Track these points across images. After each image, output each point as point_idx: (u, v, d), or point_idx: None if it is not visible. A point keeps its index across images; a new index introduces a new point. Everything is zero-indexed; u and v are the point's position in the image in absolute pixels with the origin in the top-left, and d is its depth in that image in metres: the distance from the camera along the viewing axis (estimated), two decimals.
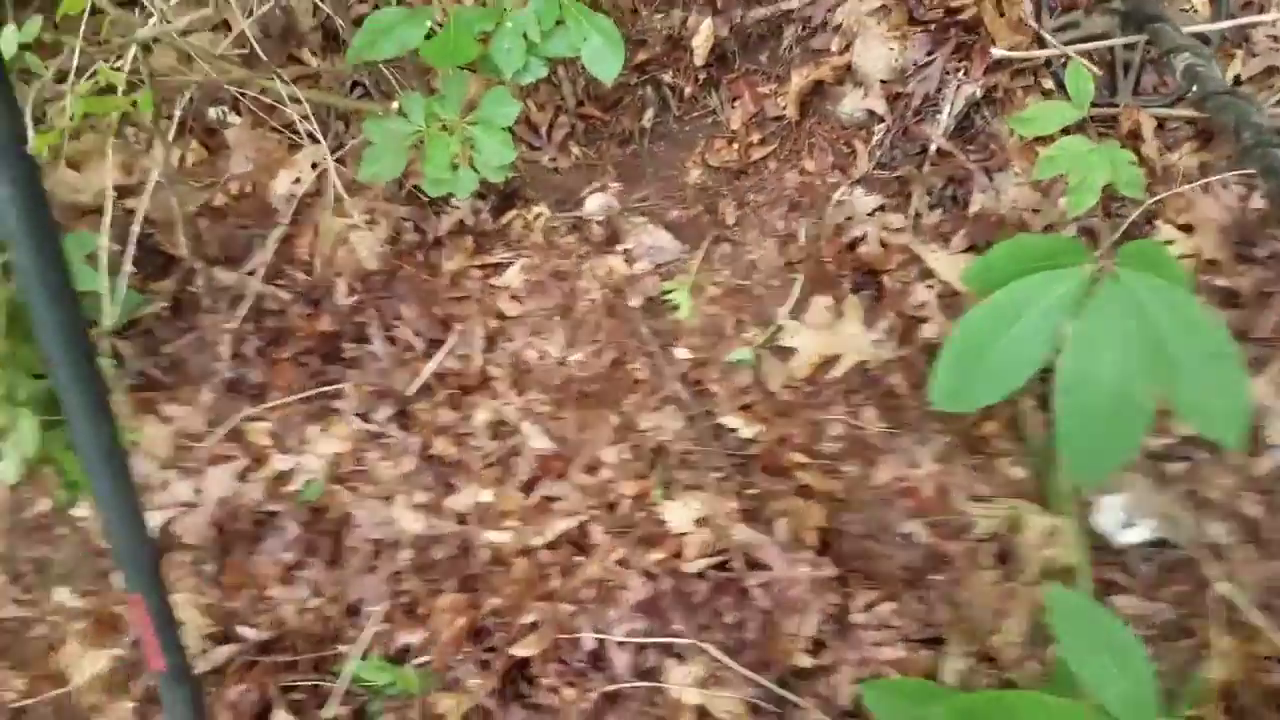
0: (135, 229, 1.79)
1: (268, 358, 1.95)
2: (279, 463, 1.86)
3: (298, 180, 1.97)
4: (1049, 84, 1.86)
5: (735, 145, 1.97)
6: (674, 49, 2.01)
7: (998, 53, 1.77)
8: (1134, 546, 1.66)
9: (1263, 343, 1.70)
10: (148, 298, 1.92)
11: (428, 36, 1.55)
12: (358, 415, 1.86)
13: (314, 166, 1.99)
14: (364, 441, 1.85)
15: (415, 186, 1.94)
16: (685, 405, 1.82)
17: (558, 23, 1.60)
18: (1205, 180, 1.73)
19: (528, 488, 1.77)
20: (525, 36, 1.58)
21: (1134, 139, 1.77)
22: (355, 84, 2.04)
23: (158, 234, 1.93)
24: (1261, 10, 1.83)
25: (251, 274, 1.94)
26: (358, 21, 2.08)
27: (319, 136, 1.99)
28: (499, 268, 1.94)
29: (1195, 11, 1.86)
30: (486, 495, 1.75)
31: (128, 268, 1.78)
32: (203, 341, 1.94)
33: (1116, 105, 1.80)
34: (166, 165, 1.88)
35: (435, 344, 1.91)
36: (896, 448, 1.77)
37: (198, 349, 1.95)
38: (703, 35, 1.98)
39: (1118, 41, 1.74)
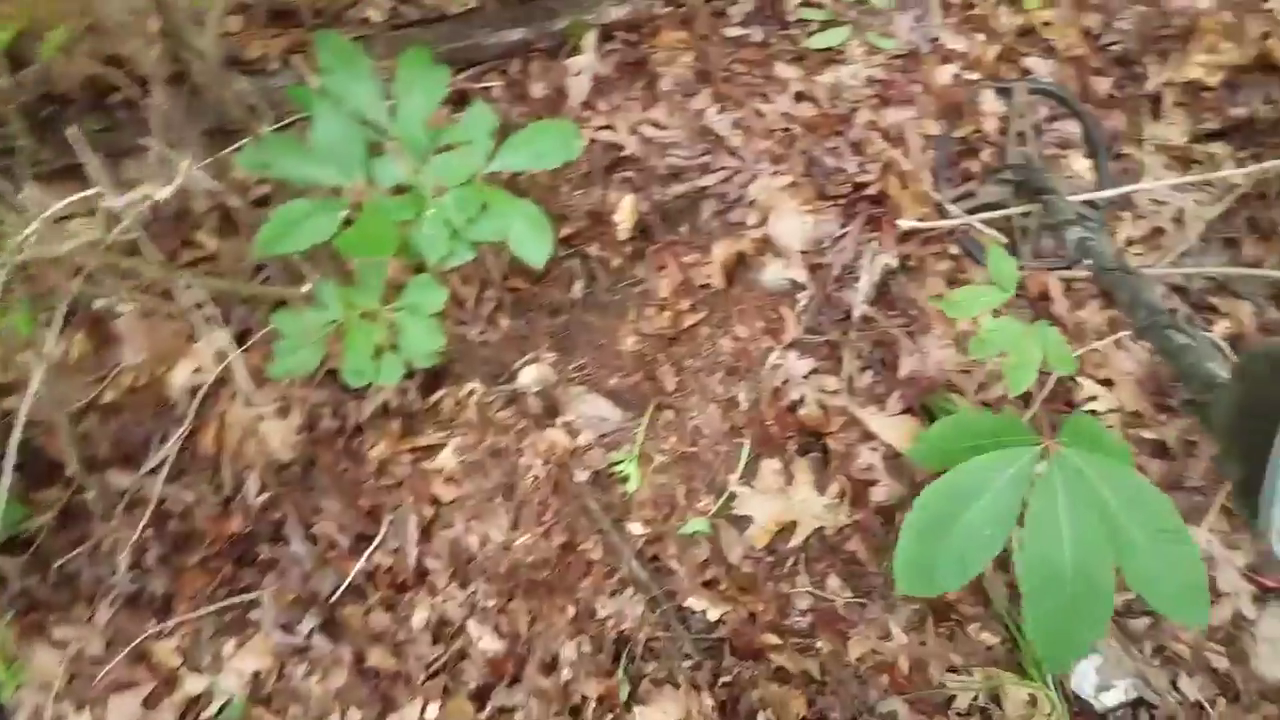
0: (16, 433, 1.63)
1: (172, 566, 1.80)
2: (191, 685, 1.70)
3: (199, 370, 1.86)
4: (955, 250, 1.98)
5: (666, 313, 1.99)
6: (597, 223, 2.05)
7: (905, 224, 1.89)
8: (1114, 710, 1.66)
9: (1196, 491, 1.79)
10: (31, 509, 1.73)
11: (344, 224, 1.51)
12: (279, 627, 1.70)
13: (217, 354, 1.87)
14: (287, 655, 1.71)
15: (330, 370, 1.85)
16: (645, 587, 1.77)
17: (482, 207, 1.60)
18: (1116, 335, 1.84)
19: (479, 698, 1.66)
20: (448, 224, 1.56)
21: (1043, 299, 1.91)
22: (260, 266, 1.97)
23: (41, 437, 1.76)
24: (1138, 177, 2.02)
25: (153, 472, 1.79)
26: (259, 202, 2.05)
27: (220, 322, 1.89)
28: (431, 450, 1.87)
29: (1080, 177, 2.03)
30: (432, 710, 1.62)
31: (7, 478, 1.60)
32: (97, 552, 1.78)
33: (1022, 269, 1.94)
34: (49, 361, 1.74)
35: (363, 539, 1.80)
36: (866, 618, 1.76)
37: (92, 561, 1.78)
38: (625, 210, 2.04)
39: (1014, 210, 1.92)
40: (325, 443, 1.86)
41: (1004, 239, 1.93)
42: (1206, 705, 1.68)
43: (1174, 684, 1.70)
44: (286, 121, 2.13)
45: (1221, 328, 1.93)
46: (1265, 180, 2.02)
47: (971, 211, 1.93)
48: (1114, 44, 2.21)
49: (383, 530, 1.79)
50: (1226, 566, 1.76)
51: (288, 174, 1.56)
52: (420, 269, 1.73)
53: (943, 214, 1.96)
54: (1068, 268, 1.97)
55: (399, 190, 1.62)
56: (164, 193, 1.22)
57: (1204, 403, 0.78)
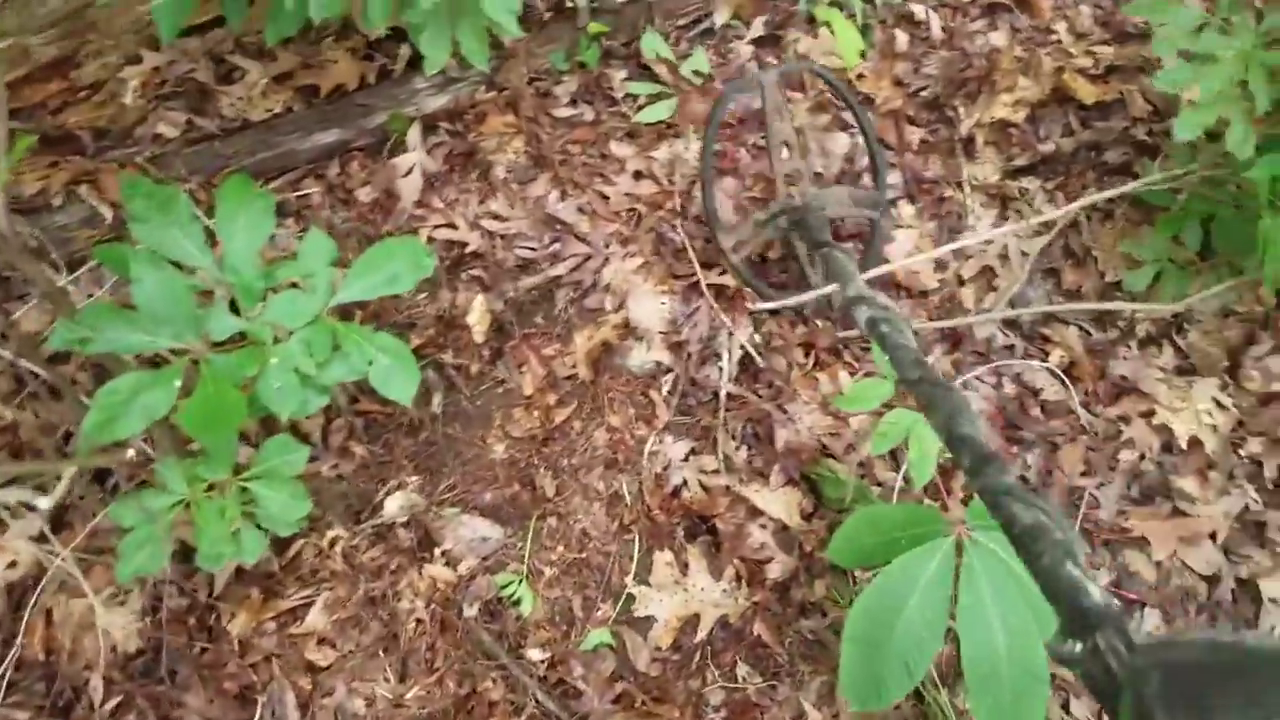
0: None
1: None
2: None
3: (13, 564, 1.67)
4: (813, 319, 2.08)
5: (534, 411, 1.97)
6: (449, 328, 2.00)
7: (753, 306, 1.95)
8: None
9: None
10: None
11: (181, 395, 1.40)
12: None
13: (33, 540, 1.70)
14: None
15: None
16: (555, 718, 1.72)
17: (335, 348, 1.53)
18: (963, 377, 1.98)
19: None
20: (297, 370, 1.48)
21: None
22: (69, 434, 1.80)
23: None
24: (961, 218, 2.17)
25: None
26: (55, 359, 1.87)
27: (33, 506, 1.72)
28: (297, 612, 1.76)
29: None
30: None
31: None
32: None
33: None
34: None
35: None
36: (778, 699, 1.79)
37: None
38: (477, 311, 2.00)
39: (809, 297, 1.79)
40: (176, 624, 1.71)
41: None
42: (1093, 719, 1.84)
43: (1065, 708, 1.84)
44: (83, 265, 1.97)
45: (1056, 356, 2.11)
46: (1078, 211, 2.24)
47: (750, 260, 1.97)
48: (923, 89, 2.38)
49: (258, 713, 1.67)
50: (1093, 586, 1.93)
51: (114, 347, 1.42)
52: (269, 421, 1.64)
53: (733, 269, 1.96)
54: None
55: (241, 338, 1.53)
56: None
57: (1071, 659, 0.61)
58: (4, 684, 1.65)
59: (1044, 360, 2.11)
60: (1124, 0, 2.40)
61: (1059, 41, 2.42)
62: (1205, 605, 1.96)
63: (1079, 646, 0.58)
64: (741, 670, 1.82)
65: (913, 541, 1.34)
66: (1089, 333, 2.16)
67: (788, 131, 1.92)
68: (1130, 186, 2.01)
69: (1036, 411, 2.07)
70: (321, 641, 1.74)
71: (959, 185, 2.28)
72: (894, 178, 2.25)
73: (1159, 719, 0.44)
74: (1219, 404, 2.09)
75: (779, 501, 1.90)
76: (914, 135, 2.30)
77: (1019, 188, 2.27)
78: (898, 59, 2.37)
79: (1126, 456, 2.04)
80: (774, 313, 2.05)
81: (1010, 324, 2.16)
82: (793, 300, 1.86)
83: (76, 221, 1.99)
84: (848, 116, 2.28)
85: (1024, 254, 2.18)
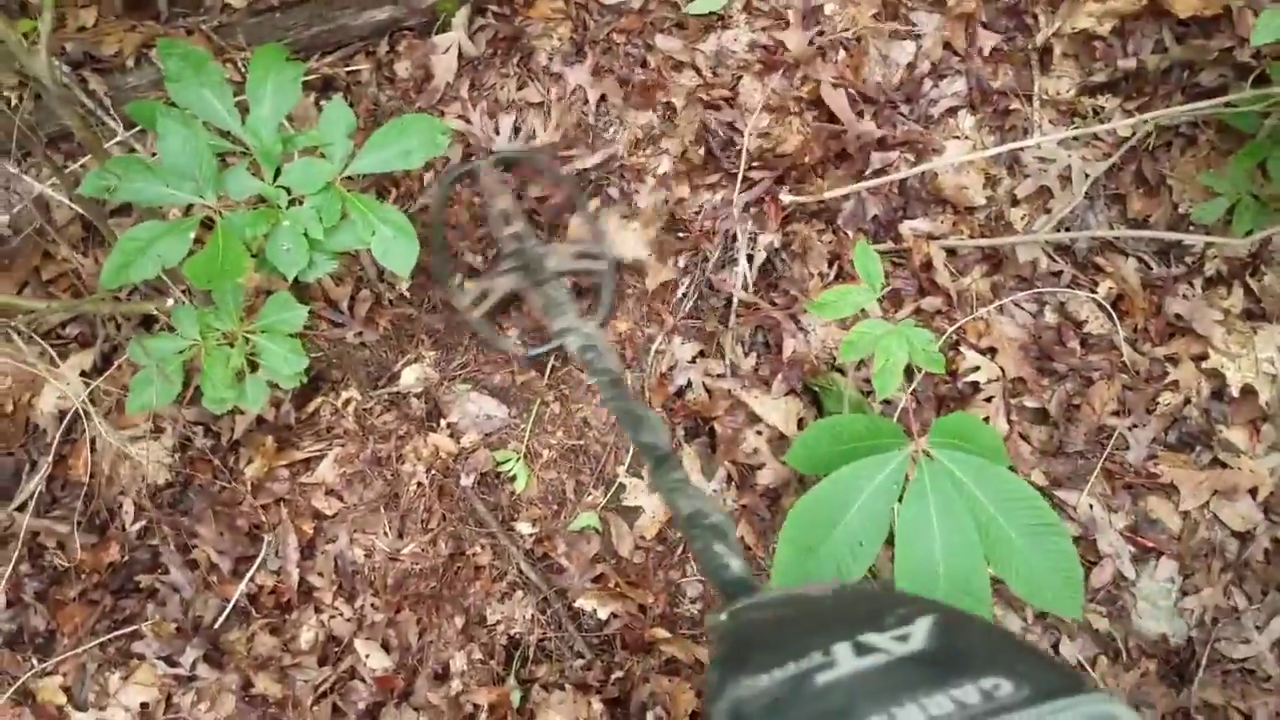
0: None
1: (51, 600, 1.83)
2: None
3: (64, 395, 1.87)
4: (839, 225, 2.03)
5: None
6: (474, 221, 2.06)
7: (787, 199, 1.93)
8: None
9: (1078, 456, 1.88)
10: None
11: (194, 250, 1.53)
12: (162, 658, 1.75)
13: (83, 375, 1.90)
14: (174, 686, 1.75)
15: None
16: (535, 588, 1.83)
17: (342, 216, 1.62)
18: (998, 302, 1.91)
19: (369, 716, 1.72)
20: (306, 234, 1.58)
21: (927, 269, 1.95)
22: None
23: None
24: (1026, 134, 2.06)
25: (21, 509, 1.82)
26: (119, 210, 2.05)
27: (89, 340, 1.92)
28: (309, 463, 1.91)
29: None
30: None
31: None
32: None
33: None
34: None
35: (245, 560, 1.84)
36: None
37: None
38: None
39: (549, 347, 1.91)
40: (200, 462, 1.89)
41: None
42: (1086, 665, 1.80)
43: (1055, 648, 1.82)
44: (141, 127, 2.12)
45: (1105, 288, 2.01)
46: (1152, 133, 2.09)
47: (494, 309, 1.94)
48: None
49: (263, 550, 1.84)
50: (1107, 528, 1.87)
51: (135, 197, 1.55)
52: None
53: (466, 319, 1.95)
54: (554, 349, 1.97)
55: (258, 201, 1.64)
56: None
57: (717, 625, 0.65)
58: (52, 501, 1.87)
59: (1092, 291, 2.01)
60: None
61: None
62: (1231, 563, 1.87)
63: (722, 615, 0.60)
64: None
65: (869, 452, 1.34)
66: (1149, 266, 2.04)
67: (506, 204, 1.97)
68: (1209, 105, 1.86)
69: (1075, 344, 1.98)
70: (329, 492, 1.89)
71: (1028, 99, 2.15)
72: (957, 85, 2.15)
73: (710, 676, 0.46)
74: None
75: (779, 410, 1.91)
76: (986, 42, 2.17)
77: (1094, 105, 2.13)
78: None
79: (1168, 399, 1.95)
80: (808, 219, 2.03)
81: (1062, 250, 2.06)
82: (540, 350, 1.93)
83: (146, 83, 2.13)
84: (914, 21, 2.18)
85: (1087, 176, 2.06)
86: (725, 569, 0.67)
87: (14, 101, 2.03)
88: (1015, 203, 2.08)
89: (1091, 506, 1.87)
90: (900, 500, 1.27)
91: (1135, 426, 1.93)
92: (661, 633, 1.78)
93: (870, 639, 0.40)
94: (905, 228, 2.03)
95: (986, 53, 2.18)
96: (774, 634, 0.43)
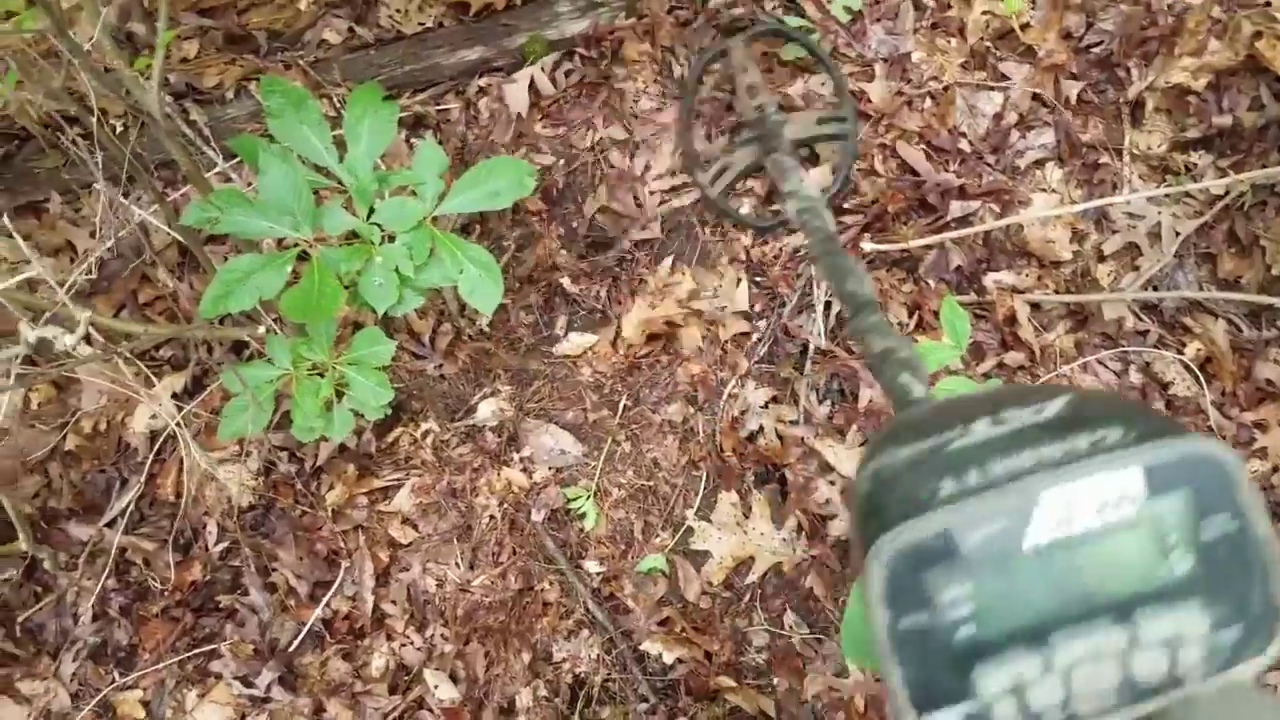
0: None
1: (134, 616, 1.89)
2: None
3: (155, 415, 1.94)
4: (919, 276, 2.02)
5: (623, 343, 2.04)
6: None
7: (869, 247, 1.92)
8: None
9: None
10: None
11: (290, 283, 1.58)
12: (238, 678, 1.80)
13: (175, 397, 1.96)
14: (248, 707, 1.80)
15: (287, 412, 1.93)
16: (602, 628, 1.84)
17: (431, 254, 1.66)
18: (1082, 360, 1.88)
19: None
20: (397, 271, 1.62)
21: (1010, 323, 1.93)
22: None
23: (3, 490, 1.86)
24: (1116, 189, 2.03)
25: (111, 525, 1.88)
26: (214, 239, 2.12)
27: (181, 363, 1.99)
28: (387, 491, 1.95)
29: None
30: None
31: None
32: (61, 604, 1.87)
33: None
34: (9, 408, 1.84)
35: (321, 585, 1.88)
36: (822, 654, 1.83)
37: (55, 613, 1.87)
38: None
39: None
40: (283, 487, 1.95)
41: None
42: None
43: None
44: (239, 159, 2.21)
45: (1193, 350, 1.96)
46: (1246, 191, 2.04)
47: (732, 184, 1.98)
48: (1095, 45, 2.21)
49: (340, 576, 1.88)
50: None
51: (236, 229, 1.62)
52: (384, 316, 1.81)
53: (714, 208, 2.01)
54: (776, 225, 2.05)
55: (351, 237, 1.70)
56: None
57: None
58: (140, 519, 1.93)
59: (1179, 352, 1.96)
60: None
61: (1267, 3, 2.17)
62: None
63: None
64: (789, 619, 1.86)
65: None
66: (1239, 329, 1.99)
67: (753, 77, 1.98)
68: None
69: (1160, 406, 1.94)
70: (405, 522, 1.93)
71: (1118, 153, 2.12)
72: (1045, 137, 2.13)
73: (864, 452, 0.51)
74: None
75: (852, 459, 1.90)
76: (1074, 92, 2.15)
77: (1187, 162, 2.09)
78: (1069, 9, 2.21)
79: (1256, 467, 1.89)
80: (889, 268, 2.02)
81: (1149, 309, 2.02)
82: (776, 221, 1.96)
83: (244, 115, 2.22)
84: (1003, 72, 2.17)
85: (1177, 234, 2.02)
86: (909, 393, 0.71)
87: (118, 129, 2.12)
88: (1102, 259, 2.05)
89: None
90: None
91: None
92: (727, 681, 1.78)
93: (1009, 414, 0.44)
94: (989, 280, 2.01)
95: (1076, 104, 2.16)
96: (925, 417, 0.47)
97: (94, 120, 1.69)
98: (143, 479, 1.92)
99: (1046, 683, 0.40)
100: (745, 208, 2.07)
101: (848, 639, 1.29)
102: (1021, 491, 0.39)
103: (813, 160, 2.07)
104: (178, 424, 1.90)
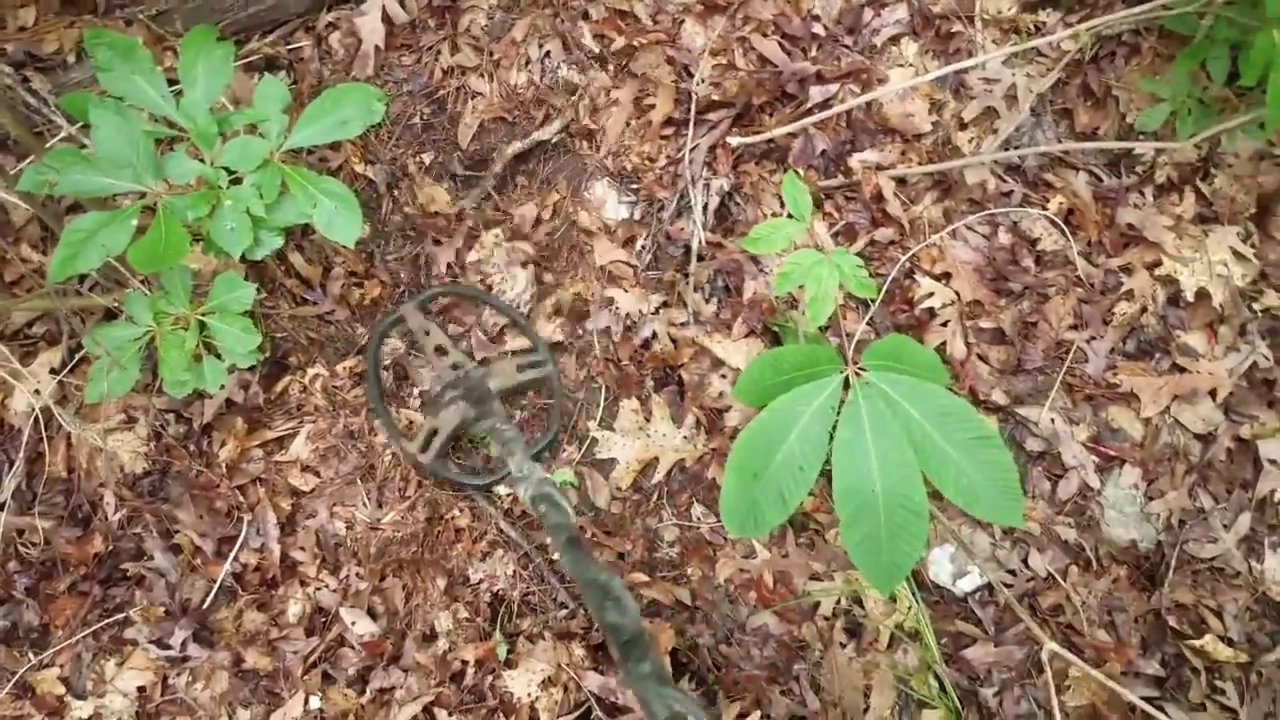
0: None
1: (41, 595, 1.84)
2: (79, 711, 1.77)
3: (37, 392, 1.86)
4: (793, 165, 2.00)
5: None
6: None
7: (735, 141, 1.90)
8: (971, 593, 1.79)
9: (1038, 373, 1.88)
10: None
11: (139, 231, 1.50)
12: (153, 641, 1.77)
13: (53, 372, 1.88)
14: (168, 668, 1.77)
15: None
16: (515, 546, 1.84)
17: (284, 192, 1.59)
18: (951, 227, 1.90)
19: (360, 681, 1.74)
20: (249, 212, 1.56)
21: (878, 200, 1.93)
22: (83, 278, 1.96)
23: None
24: (969, 55, 2.02)
25: (1, 507, 1.82)
26: (73, 208, 2.02)
27: (56, 338, 1.91)
28: (283, 441, 1.90)
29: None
30: (315, 702, 1.70)
31: None
32: None
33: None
34: None
35: (227, 541, 1.85)
36: (730, 539, 1.84)
37: None
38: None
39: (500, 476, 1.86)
40: (175, 449, 1.89)
41: None
42: (1058, 576, 1.81)
43: (1024, 561, 1.83)
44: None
45: (1056, 204, 1.99)
46: (1095, 44, 2.05)
47: (445, 447, 1.81)
48: None
49: (244, 530, 1.84)
50: (1070, 441, 1.87)
51: (76, 188, 1.54)
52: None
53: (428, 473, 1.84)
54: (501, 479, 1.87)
55: (200, 184, 1.62)
56: None
57: None
58: (33, 498, 1.87)
59: (1044, 208, 1.99)
60: None
61: None
62: (1195, 466, 1.88)
63: None
64: (696, 510, 1.88)
65: (808, 380, 1.34)
66: (1100, 178, 2.02)
67: (439, 339, 1.89)
68: (1146, 10, 1.82)
69: (1029, 262, 1.98)
70: (305, 469, 1.89)
71: (970, 20, 2.12)
72: (900, 13, 2.11)
73: None
74: (1237, 254, 1.95)
75: (740, 352, 1.91)
76: None
77: (1035, 22, 2.10)
78: None
79: (1124, 309, 1.94)
80: (758, 160, 2.00)
81: (1012, 170, 2.04)
82: (490, 480, 1.84)
83: (88, 77, 2.10)
84: None
85: (1032, 93, 2.03)
86: None
87: None
88: (963, 126, 2.06)
89: (1054, 421, 1.87)
90: (837, 423, 1.27)
91: (1093, 339, 1.92)
92: (640, 577, 1.79)
93: None
94: (854, 160, 2.02)
95: None
96: None
97: None
98: (25, 458, 1.85)
99: None
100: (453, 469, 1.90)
101: (726, 510, 1.30)
102: None
103: (519, 407, 1.97)
104: (54, 402, 1.83)
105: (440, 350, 1.89)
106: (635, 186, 2.05)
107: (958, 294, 1.91)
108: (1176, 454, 1.89)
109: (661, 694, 0.83)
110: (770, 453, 1.28)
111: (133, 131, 1.55)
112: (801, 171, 2.01)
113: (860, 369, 1.33)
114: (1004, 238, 1.97)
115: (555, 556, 1.83)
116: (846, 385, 1.32)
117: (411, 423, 1.90)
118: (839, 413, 1.29)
